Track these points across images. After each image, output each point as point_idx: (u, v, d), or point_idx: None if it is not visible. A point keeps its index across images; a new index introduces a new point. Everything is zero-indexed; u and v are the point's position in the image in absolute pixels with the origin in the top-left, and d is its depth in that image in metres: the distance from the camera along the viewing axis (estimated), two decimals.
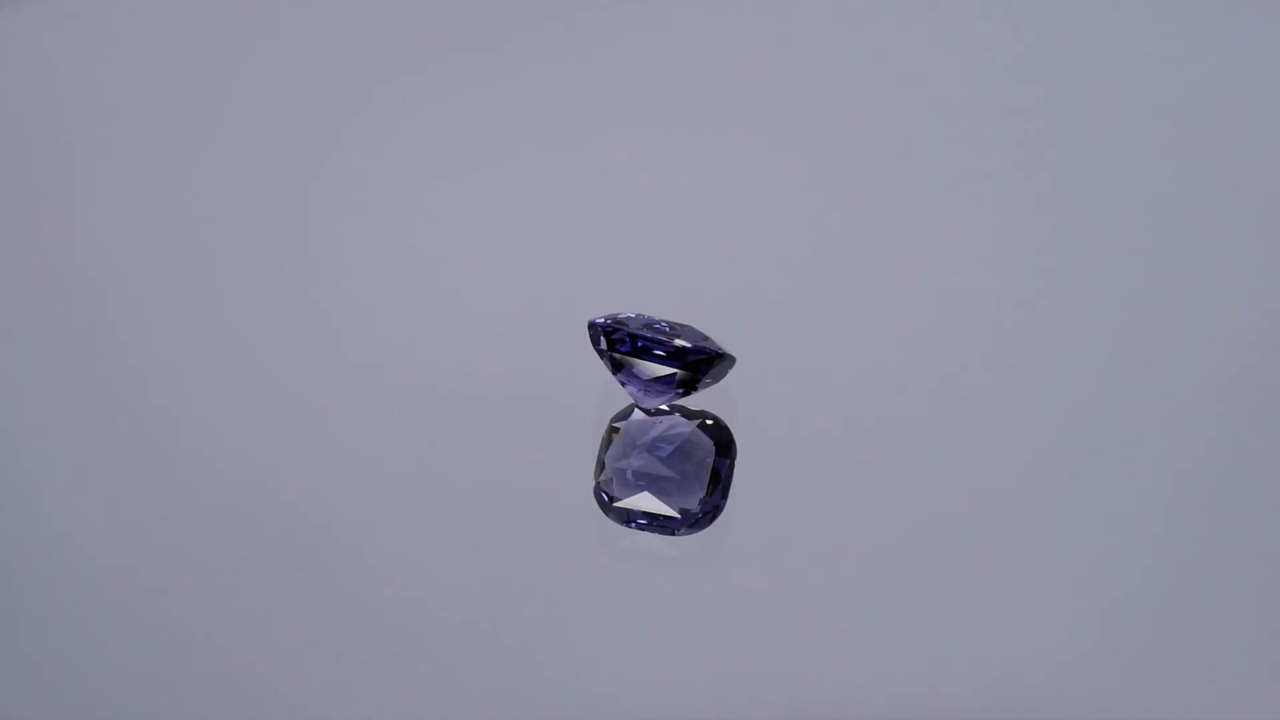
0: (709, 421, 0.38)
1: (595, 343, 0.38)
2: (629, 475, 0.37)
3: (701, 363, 0.38)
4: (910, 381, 0.40)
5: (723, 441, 0.37)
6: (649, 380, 0.38)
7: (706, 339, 0.38)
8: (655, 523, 0.37)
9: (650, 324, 0.38)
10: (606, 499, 0.37)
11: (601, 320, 0.38)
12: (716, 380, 0.38)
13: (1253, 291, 0.41)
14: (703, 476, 0.37)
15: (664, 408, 0.38)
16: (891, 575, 0.38)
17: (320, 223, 0.43)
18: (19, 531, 0.39)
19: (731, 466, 0.37)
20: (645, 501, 0.37)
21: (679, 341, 0.38)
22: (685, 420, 0.38)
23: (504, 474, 0.39)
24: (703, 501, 0.37)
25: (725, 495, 0.37)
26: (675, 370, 0.38)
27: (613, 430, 0.38)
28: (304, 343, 0.41)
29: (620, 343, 0.38)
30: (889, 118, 0.44)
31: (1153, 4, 0.45)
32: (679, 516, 0.37)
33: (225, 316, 0.41)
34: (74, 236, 0.43)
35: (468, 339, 0.41)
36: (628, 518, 0.37)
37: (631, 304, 0.40)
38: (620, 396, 0.39)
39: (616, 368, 0.38)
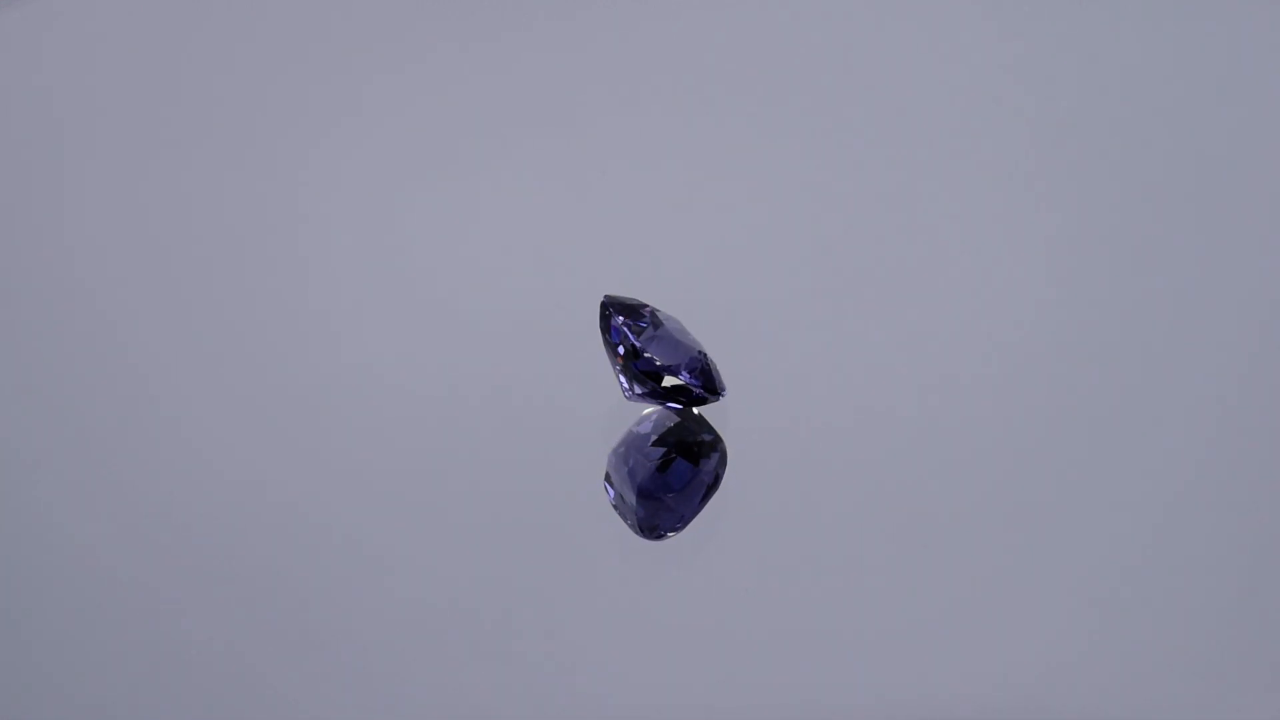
0: (704, 438, 0.38)
1: (600, 321, 0.38)
2: (615, 459, 0.38)
3: (668, 391, 0.38)
4: (906, 384, 0.40)
5: (699, 459, 0.37)
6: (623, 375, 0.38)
7: (701, 366, 0.38)
8: (623, 508, 0.37)
9: (657, 335, 0.38)
10: (606, 475, 0.38)
11: (614, 309, 0.38)
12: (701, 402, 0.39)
13: (1251, 295, 0.41)
14: (669, 482, 0.37)
15: (676, 407, 0.38)
16: (887, 577, 0.38)
17: (319, 223, 0.43)
18: (14, 532, 0.38)
19: (703, 483, 0.37)
20: (618, 486, 0.37)
21: (655, 361, 0.38)
22: (678, 427, 0.38)
23: (507, 475, 0.39)
24: (656, 504, 0.37)
25: (683, 509, 0.37)
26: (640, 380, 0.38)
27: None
28: (304, 344, 0.41)
29: (613, 337, 0.38)
30: (888, 118, 0.44)
31: (1158, 6, 0.45)
32: (635, 506, 0.37)
33: (225, 316, 0.41)
34: (65, 236, 0.42)
35: (470, 339, 0.41)
36: (615, 499, 0.37)
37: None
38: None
39: (610, 352, 0.38)
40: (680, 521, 0.37)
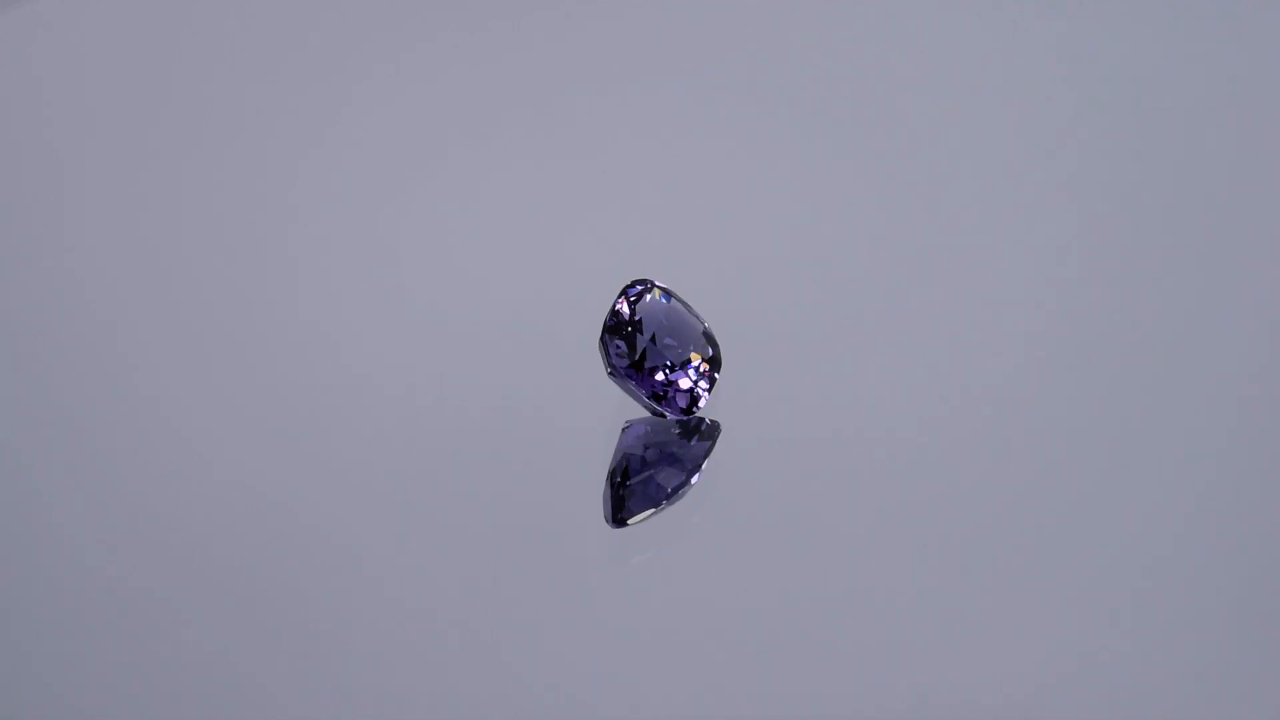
0: (681, 450, 0.38)
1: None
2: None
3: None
4: (913, 388, 0.40)
5: (662, 470, 0.38)
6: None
7: (660, 388, 0.38)
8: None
9: (656, 345, 0.38)
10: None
11: (626, 294, 0.38)
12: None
13: (1260, 304, 0.41)
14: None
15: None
16: (886, 582, 0.37)
17: (315, 227, 0.43)
18: (11, 532, 0.39)
19: (653, 490, 0.38)
20: None
21: (633, 384, 0.38)
22: (672, 432, 0.38)
23: (503, 480, 0.39)
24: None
25: (635, 507, 0.37)
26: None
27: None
28: (300, 347, 0.41)
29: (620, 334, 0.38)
30: (897, 120, 0.44)
31: (1174, 10, 0.45)
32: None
33: (221, 320, 0.41)
34: (58, 236, 0.43)
35: (469, 341, 0.41)
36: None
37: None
38: (629, 404, 0.39)
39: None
40: (619, 517, 0.37)
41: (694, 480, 0.38)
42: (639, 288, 0.38)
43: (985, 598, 0.37)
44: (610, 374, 0.38)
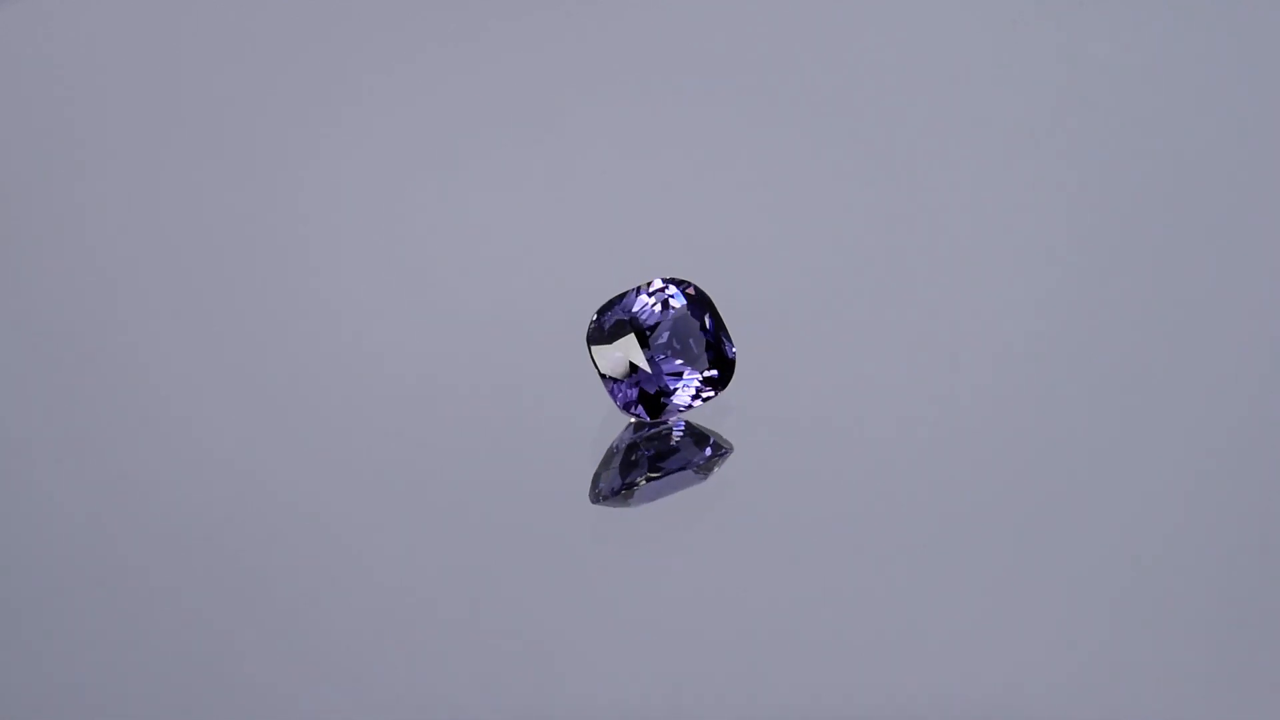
0: (657, 459, 0.38)
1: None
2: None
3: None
4: (912, 387, 0.40)
5: (632, 473, 0.38)
6: None
7: (632, 404, 0.38)
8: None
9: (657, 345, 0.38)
10: None
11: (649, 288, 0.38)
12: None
13: (1260, 302, 0.41)
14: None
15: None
16: (889, 582, 0.37)
17: (320, 222, 0.43)
18: (17, 524, 0.39)
19: (616, 487, 0.38)
20: None
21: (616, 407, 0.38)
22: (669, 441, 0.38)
23: (500, 474, 0.39)
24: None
25: (608, 487, 0.37)
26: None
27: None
28: (301, 339, 0.41)
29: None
30: (898, 117, 0.44)
31: (1174, 10, 0.45)
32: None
33: (219, 314, 0.41)
34: (65, 230, 0.43)
35: (468, 336, 0.41)
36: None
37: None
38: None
39: None
40: (592, 489, 0.37)
41: (660, 480, 0.38)
42: (686, 291, 0.37)
43: (992, 600, 0.37)
44: (590, 338, 0.38)
